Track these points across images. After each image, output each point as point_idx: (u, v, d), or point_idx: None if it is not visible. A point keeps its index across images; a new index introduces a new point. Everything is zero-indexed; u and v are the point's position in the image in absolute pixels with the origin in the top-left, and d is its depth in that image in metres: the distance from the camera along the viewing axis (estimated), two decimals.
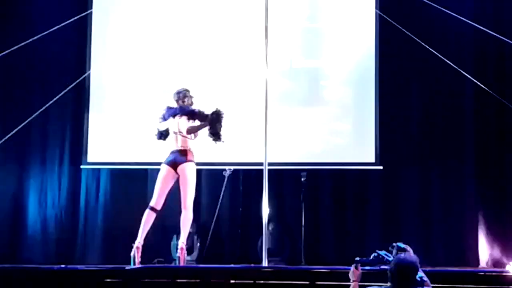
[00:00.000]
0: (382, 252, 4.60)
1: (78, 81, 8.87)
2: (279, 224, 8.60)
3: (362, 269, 4.63)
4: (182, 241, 7.22)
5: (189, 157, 7.29)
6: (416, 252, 7.97)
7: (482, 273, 6.64)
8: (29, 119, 8.91)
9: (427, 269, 6.85)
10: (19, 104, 8.97)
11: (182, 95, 7.49)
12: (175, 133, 7.39)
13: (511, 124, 8.36)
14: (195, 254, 8.41)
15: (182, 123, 7.34)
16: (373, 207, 8.53)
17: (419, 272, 4.45)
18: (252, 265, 7.45)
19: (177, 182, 7.31)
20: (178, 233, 7.44)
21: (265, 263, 7.55)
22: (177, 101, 7.49)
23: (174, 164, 7.28)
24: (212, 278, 6.80)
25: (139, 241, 7.17)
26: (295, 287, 6.60)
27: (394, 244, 4.65)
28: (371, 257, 4.68)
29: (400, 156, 8.57)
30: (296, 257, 8.21)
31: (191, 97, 7.52)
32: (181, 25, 8.94)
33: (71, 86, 8.86)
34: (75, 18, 8.78)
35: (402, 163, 8.56)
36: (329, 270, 6.61)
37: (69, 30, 8.78)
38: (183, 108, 7.40)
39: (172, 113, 7.41)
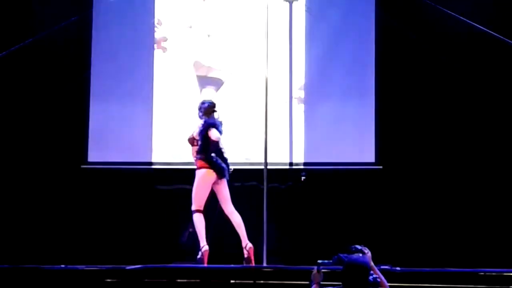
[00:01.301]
0: (343, 255, 4.66)
1: (78, 80, 8.90)
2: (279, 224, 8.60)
3: (323, 269, 4.72)
4: (249, 244, 7.38)
5: None
6: (415, 252, 8.07)
7: (482, 273, 6.63)
8: (28, 119, 8.96)
9: (427, 269, 6.90)
10: (19, 104, 8.96)
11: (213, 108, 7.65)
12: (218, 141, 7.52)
13: None
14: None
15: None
16: (373, 207, 8.52)
17: (374, 273, 4.61)
18: (252, 265, 7.44)
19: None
20: None
21: (265, 263, 7.56)
22: (210, 112, 7.58)
23: (223, 173, 7.46)
24: (212, 278, 6.80)
25: (202, 245, 7.38)
26: (295, 287, 6.60)
27: (352, 246, 4.73)
28: (332, 259, 4.76)
29: (400, 156, 8.57)
30: (296, 257, 8.20)
31: None
32: (181, 24, 8.94)
33: (71, 85, 8.91)
34: (75, 18, 8.81)
35: (402, 163, 8.55)
36: (329, 270, 6.60)
37: (69, 30, 8.80)
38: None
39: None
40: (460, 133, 8.50)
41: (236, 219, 7.43)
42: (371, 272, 4.60)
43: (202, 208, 7.49)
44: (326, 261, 4.77)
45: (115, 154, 8.75)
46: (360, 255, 4.58)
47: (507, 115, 8.39)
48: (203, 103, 7.66)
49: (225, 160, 7.45)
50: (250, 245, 7.32)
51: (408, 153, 8.57)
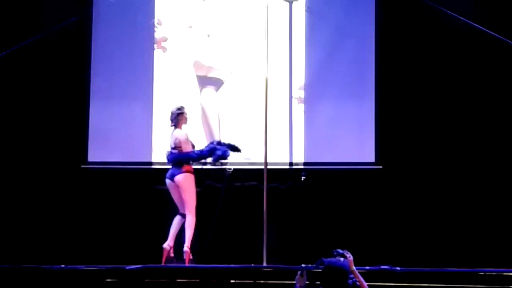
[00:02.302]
0: (327, 260, 4.69)
1: (78, 80, 8.90)
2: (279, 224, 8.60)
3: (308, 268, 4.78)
4: (187, 245, 7.44)
5: (184, 169, 7.60)
6: (415, 252, 8.06)
7: (482, 273, 6.63)
8: (28, 119, 8.95)
9: (427, 269, 6.90)
10: (19, 104, 8.97)
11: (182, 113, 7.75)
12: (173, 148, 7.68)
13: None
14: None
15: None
16: (373, 207, 8.52)
17: (353, 277, 4.71)
18: (252, 265, 7.45)
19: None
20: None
21: (265, 263, 7.56)
22: (180, 114, 7.69)
23: (172, 176, 7.65)
24: (212, 278, 6.80)
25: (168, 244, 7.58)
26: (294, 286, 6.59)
27: (334, 250, 4.77)
28: (316, 264, 4.81)
29: (400, 156, 8.56)
30: (296, 257, 8.20)
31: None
32: (181, 24, 8.94)
33: (71, 85, 8.91)
34: (75, 18, 8.81)
35: (402, 163, 8.55)
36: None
37: (69, 30, 8.80)
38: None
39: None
40: (460, 133, 8.50)
41: (188, 220, 7.60)
42: (351, 275, 4.65)
43: (181, 211, 7.66)
44: (309, 265, 4.84)
45: (115, 154, 8.75)
46: (342, 259, 4.62)
47: (507, 115, 8.39)
48: (176, 108, 7.76)
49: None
50: (187, 249, 7.48)
51: (408, 153, 8.57)
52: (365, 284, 4.78)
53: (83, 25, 8.93)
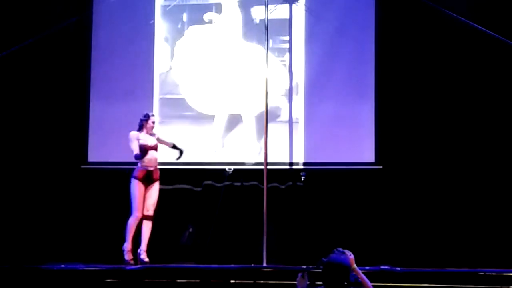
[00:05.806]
0: (327, 257, 4.70)
1: (78, 80, 8.91)
2: (279, 225, 8.60)
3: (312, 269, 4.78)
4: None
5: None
6: (415, 252, 8.07)
7: (482, 273, 6.64)
8: (29, 119, 8.96)
9: (427, 269, 6.90)
10: (19, 104, 8.98)
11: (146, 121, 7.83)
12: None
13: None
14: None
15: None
16: (373, 207, 8.52)
17: (356, 274, 4.69)
18: (252, 265, 7.45)
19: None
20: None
21: (265, 263, 7.57)
22: (144, 121, 7.81)
23: None
24: (212, 278, 6.80)
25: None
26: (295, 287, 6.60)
27: (335, 249, 4.78)
28: (317, 264, 4.81)
29: (400, 156, 8.56)
30: (296, 257, 8.21)
31: None
32: (181, 24, 8.95)
33: (71, 85, 8.92)
34: (75, 18, 8.82)
35: (402, 163, 8.55)
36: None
37: (69, 30, 8.81)
38: None
39: None
40: (460, 133, 8.50)
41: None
42: (353, 273, 4.64)
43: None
44: (310, 266, 4.84)
45: (115, 154, 8.75)
46: (342, 256, 4.61)
47: (507, 115, 8.39)
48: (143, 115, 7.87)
49: None
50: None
51: (408, 153, 8.56)
52: (369, 282, 4.77)
53: (83, 25, 8.94)
